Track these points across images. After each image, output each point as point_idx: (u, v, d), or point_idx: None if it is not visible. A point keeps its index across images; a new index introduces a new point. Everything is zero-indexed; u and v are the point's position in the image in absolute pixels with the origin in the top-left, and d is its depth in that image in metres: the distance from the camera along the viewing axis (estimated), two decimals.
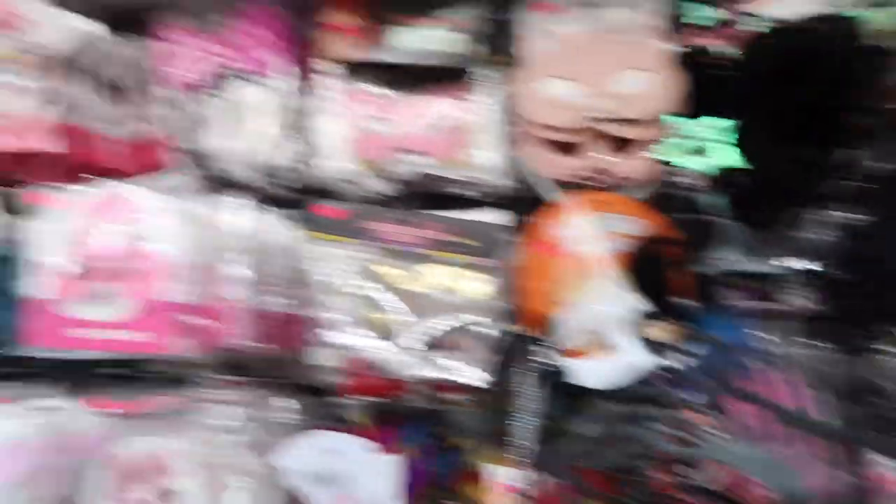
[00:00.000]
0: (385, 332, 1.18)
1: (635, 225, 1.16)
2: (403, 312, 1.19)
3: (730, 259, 1.13)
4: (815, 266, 1.06)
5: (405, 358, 1.16)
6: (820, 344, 1.03)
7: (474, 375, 1.14)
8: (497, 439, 1.10)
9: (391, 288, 1.21)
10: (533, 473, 1.05)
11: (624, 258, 1.12)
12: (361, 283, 1.21)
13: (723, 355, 1.02)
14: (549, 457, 1.03)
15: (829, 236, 1.09)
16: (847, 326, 1.01)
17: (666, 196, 1.19)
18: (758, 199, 1.17)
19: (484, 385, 1.13)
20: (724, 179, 1.18)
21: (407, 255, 1.23)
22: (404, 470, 1.08)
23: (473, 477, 1.10)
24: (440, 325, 1.18)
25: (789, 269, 1.08)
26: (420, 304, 1.19)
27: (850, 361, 0.99)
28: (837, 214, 1.10)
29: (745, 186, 1.17)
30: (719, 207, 1.17)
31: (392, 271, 1.22)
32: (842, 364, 1.00)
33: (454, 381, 1.14)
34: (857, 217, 1.08)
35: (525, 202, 1.23)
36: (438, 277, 1.22)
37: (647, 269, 1.11)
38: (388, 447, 1.10)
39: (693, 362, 1.02)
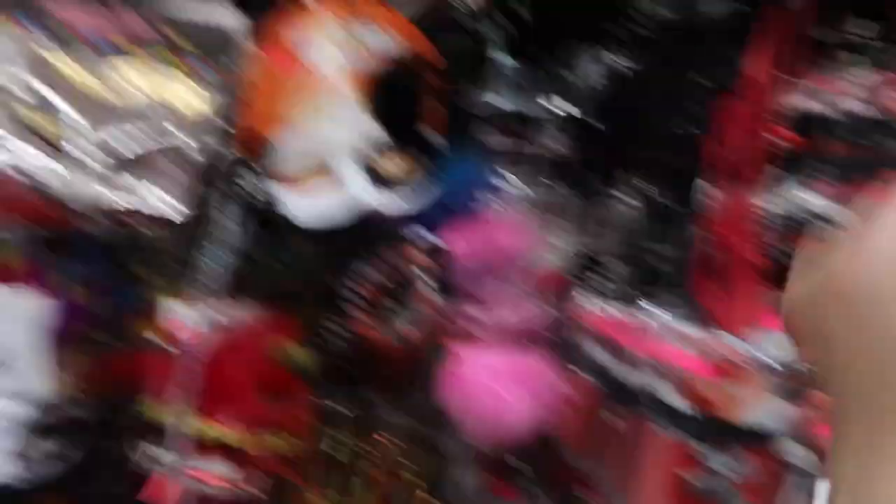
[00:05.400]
0: (53, 143, 0.89)
1: (391, 42, 0.95)
2: (79, 120, 0.90)
3: (492, 95, 0.97)
4: (575, 110, 0.94)
5: (78, 177, 0.88)
6: (559, 187, 0.93)
7: (167, 205, 0.90)
8: (183, 272, 0.89)
9: (66, 87, 0.91)
10: (222, 307, 0.86)
11: (369, 78, 0.92)
12: (25, 76, 0.90)
13: (455, 194, 0.87)
14: (244, 291, 0.85)
15: (598, 81, 0.97)
16: (589, 170, 0.91)
17: (436, 16, 1.00)
18: (534, 32, 1.01)
19: (178, 218, 0.90)
20: (503, 9, 1.00)
21: (95, 47, 0.93)
22: (58, 313, 0.83)
23: (149, 314, 0.89)
24: (129, 139, 0.91)
25: (551, 111, 0.95)
26: (104, 112, 0.92)
27: (585, 205, 0.90)
28: (610, 58, 0.97)
29: (523, 18, 1.01)
30: (493, 38, 1.00)
31: (71, 66, 0.92)
32: (578, 207, 0.91)
33: (141, 211, 0.89)
34: (627, 63, 0.96)
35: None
36: (135, 81, 0.94)
37: (394, 94, 0.92)
38: (38, 286, 0.85)
39: (422, 199, 0.87)
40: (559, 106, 0.95)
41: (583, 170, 0.92)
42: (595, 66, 0.98)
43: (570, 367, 0.81)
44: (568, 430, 0.79)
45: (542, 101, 0.96)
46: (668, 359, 0.74)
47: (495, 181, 0.88)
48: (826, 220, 0.86)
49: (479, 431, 0.75)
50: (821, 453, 0.81)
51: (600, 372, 0.80)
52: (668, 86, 0.95)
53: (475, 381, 0.75)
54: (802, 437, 0.82)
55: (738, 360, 0.73)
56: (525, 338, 0.82)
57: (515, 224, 0.89)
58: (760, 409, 0.73)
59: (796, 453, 0.81)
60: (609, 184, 0.93)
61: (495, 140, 0.94)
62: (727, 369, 0.73)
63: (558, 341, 0.83)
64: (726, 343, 0.75)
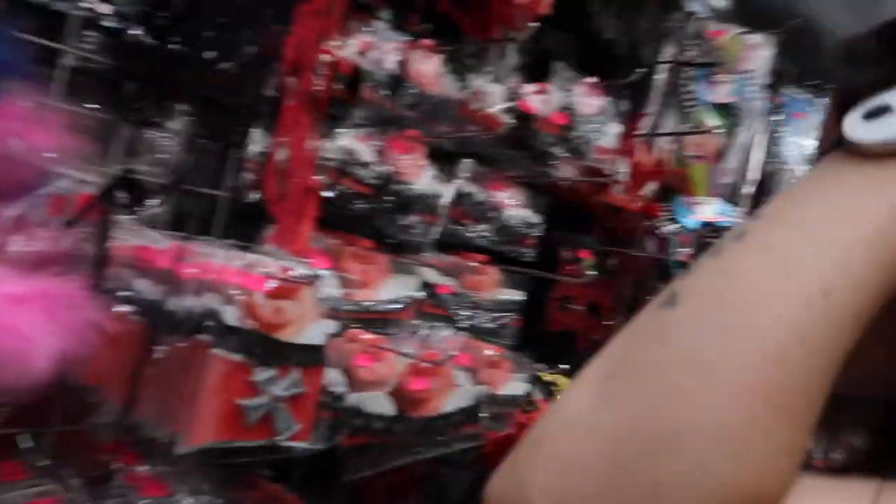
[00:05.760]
0: None
1: None
2: None
3: None
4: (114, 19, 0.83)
5: None
6: (103, 105, 0.81)
7: None
8: None
9: None
10: None
11: None
12: None
13: None
14: None
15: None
16: (137, 94, 0.82)
17: None
18: None
19: None
20: None
21: None
22: None
23: None
24: None
25: (92, 10, 0.81)
26: None
27: (131, 130, 0.81)
28: None
29: None
30: None
31: None
32: (123, 130, 0.81)
33: None
34: None
35: None
36: None
37: None
38: None
39: None
40: (99, 9, 0.81)
41: (131, 91, 0.81)
42: None
43: (107, 297, 0.70)
44: (99, 365, 0.68)
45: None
46: (223, 281, 0.71)
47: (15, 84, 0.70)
48: (364, 164, 0.97)
49: None
50: (355, 377, 0.90)
51: (144, 301, 0.72)
52: (220, 22, 0.92)
53: None
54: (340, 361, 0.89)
55: (292, 282, 0.75)
56: (51, 265, 0.68)
57: (40, 135, 0.72)
58: (309, 329, 0.77)
59: (336, 377, 0.88)
60: (159, 112, 0.84)
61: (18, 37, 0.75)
62: (281, 290, 0.74)
63: (93, 270, 0.71)
64: (281, 266, 0.76)
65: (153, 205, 0.83)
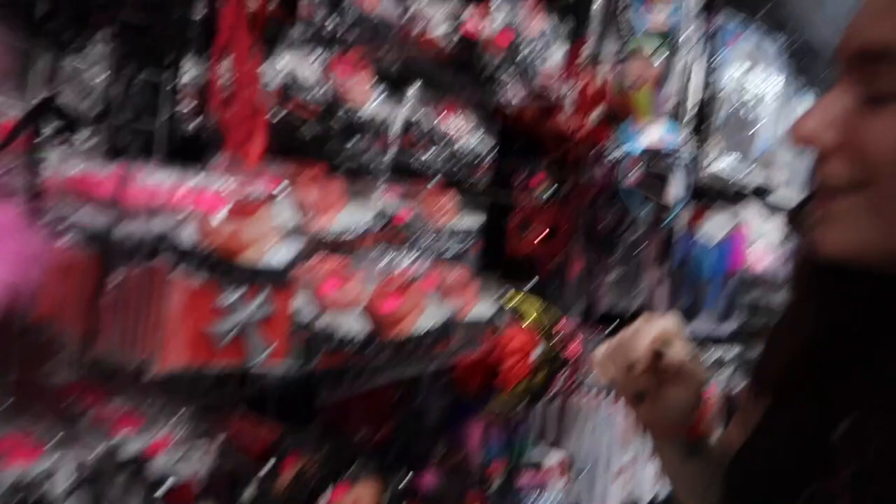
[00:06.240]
0: None
1: None
2: None
3: None
4: None
5: None
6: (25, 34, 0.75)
7: None
8: None
9: None
10: None
11: None
12: None
13: None
14: None
15: None
16: (61, 20, 0.77)
17: None
18: None
19: None
20: None
21: None
22: None
23: None
24: None
25: None
26: None
27: (56, 57, 0.76)
28: None
29: None
30: None
31: None
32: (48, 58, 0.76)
33: None
34: None
35: None
36: None
37: None
38: None
39: None
40: None
41: (44, 14, 0.76)
42: None
43: (48, 228, 0.66)
44: (50, 299, 0.65)
45: None
46: (174, 204, 0.68)
47: None
48: (308, 88, 0.94)
49: None
50: (324, 301, 0.88)
51: (90, 230, 0.68)
52: None
53: None
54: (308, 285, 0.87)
55: (249, 202, 0.73)
56: None
57: None
58: (273, 251, 0.75)
59: (305, 302, 0.86)
60: (78, 37, 0.79)
61: None
62: (238, 210, 0.71)
63: (28, 201, 0.67)
64: (236, 186, 0.73)
65: (85, 136, 0.78)
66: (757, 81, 2.30)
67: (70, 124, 0.75)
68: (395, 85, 1.12)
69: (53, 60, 0.77)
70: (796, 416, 0.55)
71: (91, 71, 0.82)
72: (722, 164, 2.15)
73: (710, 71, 2.19)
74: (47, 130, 0.72)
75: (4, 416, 0.60)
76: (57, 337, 0.66)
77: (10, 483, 0.52)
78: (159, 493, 0.61)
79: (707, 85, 2.16)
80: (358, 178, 1.05)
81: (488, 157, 1.28)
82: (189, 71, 0.85)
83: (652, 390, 0.61)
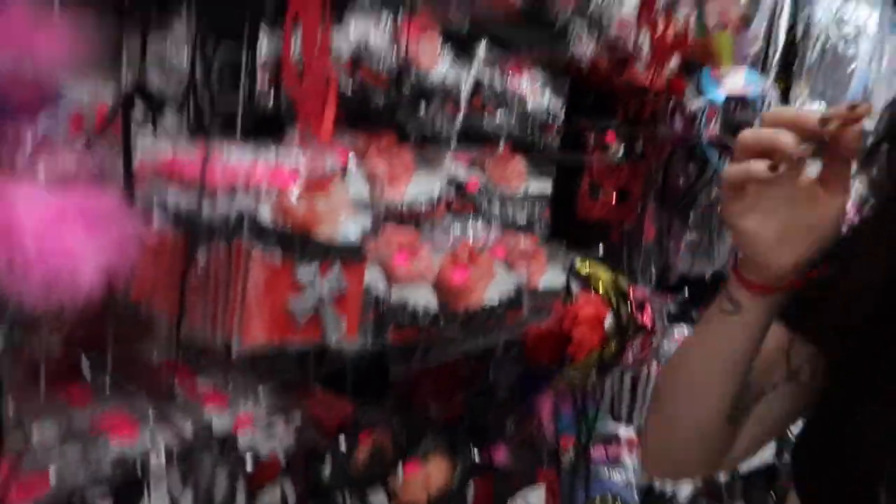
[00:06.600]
0: None
1: None
2: None
3: None
4: None
5: None
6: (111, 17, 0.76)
7: None
8: None
9: None
10: None
11: None
12: None
13: None
14: None
15: None
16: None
17: None
18: None
19: None
20: None
21: None
22: None
23: None
24: None
25: None
26: None
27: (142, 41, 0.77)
28: None
29: None
30: None
31: None
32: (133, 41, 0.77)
33: None
34: None
35: None
36: None
37: None
38: None
39: None
40: None
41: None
42: None
43: (141, 211, 0.69)
44: (143, 280, 0.67)
45: None
46: (253, 182, 0.69)
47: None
48: (378, 54, 0.92)
49: (39, 289, 0.57)
50: (394, 275, 0.89)
51: (178, 211, 0.70)
52: None
53: (28, 226, 0.56)
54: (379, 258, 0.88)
55: (321, 177, 0.73)
56: (81, 182, 0.66)
57: (50, 50, 0.69)
58: (344, 225, 0.75)
59: (376, 275, 0.87)
60: (163, 19, 0.80)
61: None
62: (311, 185, 0.72)
63: (123, 185, 0.69)
64: (308, 161, 0.73)
65: (171, 115, 0.80)
66: (851, 16, 2.11)
67: (158, 107, 0.76)
68: (463, 45, 1.08)
69: (141, 43, 0.78)
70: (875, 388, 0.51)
71: (175, 52, 0.83)
72: (813, 107, 2.01)
73: (800, 6, 2.02)
74: (137, 114, 0.74)
75: (105, 393, 0.64)
76: (150, 317, 0.69)
77: (113, 458, 0.56)
78: (247, 468, 0.64)
79: (795, 23, 2.00)
80: (428, 145, 1.03)
81: (558, 118, 1.23)
82: (265, 46, 0.85)
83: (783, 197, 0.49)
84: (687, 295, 1.20)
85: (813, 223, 0.51)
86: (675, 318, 1.34)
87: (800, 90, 2.01)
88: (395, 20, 0.92)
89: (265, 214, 0.67)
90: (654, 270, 1.40)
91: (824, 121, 0.47)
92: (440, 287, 0.91)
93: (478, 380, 1.11)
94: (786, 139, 0.47)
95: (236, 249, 0.67)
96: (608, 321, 1.03)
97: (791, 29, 1.96)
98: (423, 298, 0.88)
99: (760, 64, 1.85)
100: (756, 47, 1.84)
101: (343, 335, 0.75)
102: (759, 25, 1.84)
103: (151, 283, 0.69)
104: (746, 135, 0.50)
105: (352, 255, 0.76)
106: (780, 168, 0.47)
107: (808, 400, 0.59)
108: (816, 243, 0.51)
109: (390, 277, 0.87)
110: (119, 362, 0.69)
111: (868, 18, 2.15)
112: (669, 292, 1.23)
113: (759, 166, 0.48)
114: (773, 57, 1.89)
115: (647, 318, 1.06)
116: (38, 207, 0.58)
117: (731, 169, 0.51)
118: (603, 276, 1.10)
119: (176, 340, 0.67)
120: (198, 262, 0.68)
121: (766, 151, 0.48)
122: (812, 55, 1.94)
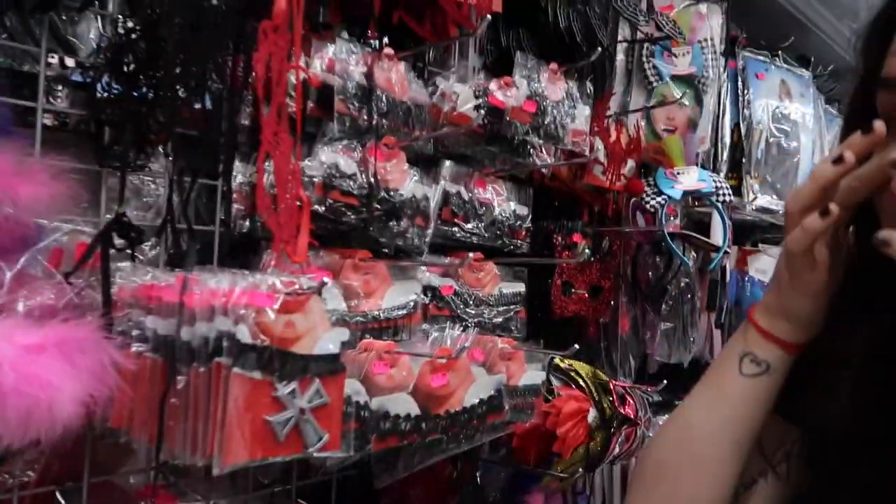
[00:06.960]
0: None
1: None
2: None
3: None
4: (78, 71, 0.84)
5: None
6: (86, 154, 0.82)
7: None
8: None
9: None
10: None
11: None
12: None
13: None
14: None
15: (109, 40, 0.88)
16: (116, 139, 0.83)
17: None
18: None
19: None
20: None
21: None
22: None
23: None
24: None
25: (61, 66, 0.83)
26: None
27: (117, 176, 0.82)
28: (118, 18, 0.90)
29: None
30: None
31: None
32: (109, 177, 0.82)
33: None
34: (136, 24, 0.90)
35: None
36: None
37: None
38: None
39: None
40: (65, 64, 0.83)
41: (110, 138, 0.83)
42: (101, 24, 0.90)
43: (120, 338, 0.71)
44: (122, 406, 0.68)
45: (45, 56, 0.83)
46: (232, 303, 0.72)
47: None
48: (349, 176, 0.98)
49: (16, 422, 0.58)
50: (374, 385, 0.90)
51: (157, 336, 0.72)
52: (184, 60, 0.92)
53: (5, 359, 0.58)
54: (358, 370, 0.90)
55: (298, 295, 0.76)
56: (60, 315, 0.68)
57: (30, 191, 0.73)
58: (322, 339, 0.78)
59: (356, 387, 0.88)
60: (139, 156, 0.85)
61: None
62: (289, 304, 0.74)
63: (102, 314, 0.72)
64: (285, 281, 0.77)
65: (149, 246, 0.84)
66: (789, 113, 2.29)
67: (137, 237, 0.80)
68: (428, 163, 1.16)
69: (118, 179, 0.83)
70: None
71: (151, 185, 0.88)
72: (765, 199, 2.12)
73: (740, 107, 2.19)
74: (117, 246, 0.78)
75: None
76: (129, 443, 0.69)
77: None
78: None
79: (738, 123, 2.15)
80: (401, 257, 1.08)
81: (525, 223, 1.29)
82: (239, 174, 0.91)
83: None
84: (666, 383, 1.21)
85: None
86: (658, 407, 1.35)
87: (749, 184, 2.13)
88: (360, 147, 0.99)
89: (244, 334, 0.69)
90: (632, 361, 1.42)
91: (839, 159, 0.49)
92: (420, 393, 0.92)
93: (467, 482, 1.09)
94: (824, 169, 0.49)
95: (216, 369, 0.68)
96: (591, 415, 1.04)
97: (735, 128, 2.11)
98: (403, 404, 0.89)
99: (711, 163, 1.97)
100: (705, 147, 1.97)
101: (325, 446, 0.76)
102: (705, 127, 1.98)
103: (130, 408, 0.70)
104: (789, 201, 0.52)
105: (331, 368, 0.77)
106: (832, 208, 0.49)
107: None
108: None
109: (370, 387, 0.88)
110: (96, 493, 0.68)
111: (804, 114, 2.32)
112: (650, 382, 1.25)
113: (811, 219, 0.49)
114: (722, 155, 2.02)
115: (629, 409, 1.07)
116: (16, 340, 0.60)
117: (792, 238, 0.52)
118: (582, 370, 1.12)
119: (156, 463, 0.67)
120: (177, 384, 0.69)
121: (811, 207, 0.50)
122: (757, 151, 2.08)
